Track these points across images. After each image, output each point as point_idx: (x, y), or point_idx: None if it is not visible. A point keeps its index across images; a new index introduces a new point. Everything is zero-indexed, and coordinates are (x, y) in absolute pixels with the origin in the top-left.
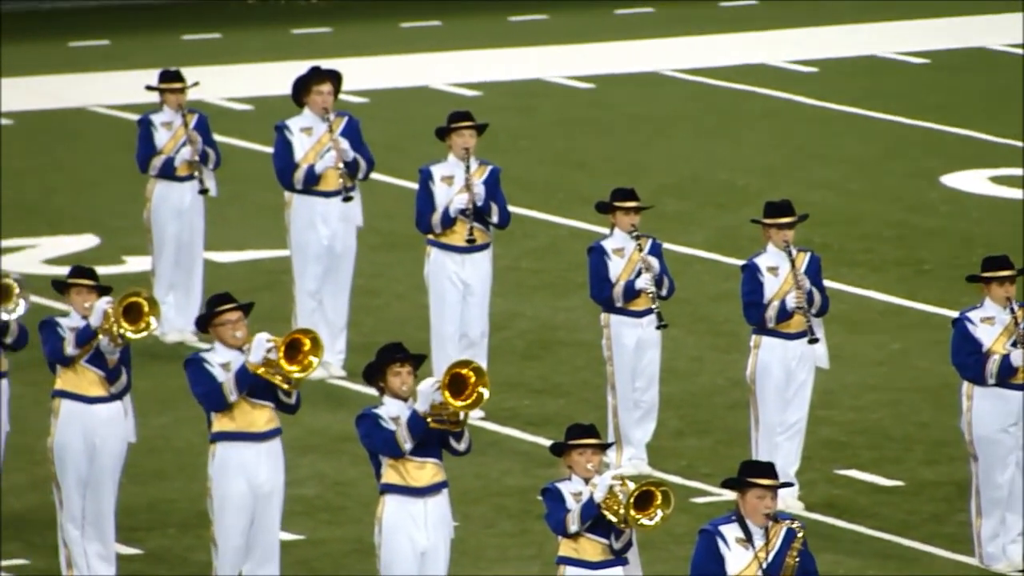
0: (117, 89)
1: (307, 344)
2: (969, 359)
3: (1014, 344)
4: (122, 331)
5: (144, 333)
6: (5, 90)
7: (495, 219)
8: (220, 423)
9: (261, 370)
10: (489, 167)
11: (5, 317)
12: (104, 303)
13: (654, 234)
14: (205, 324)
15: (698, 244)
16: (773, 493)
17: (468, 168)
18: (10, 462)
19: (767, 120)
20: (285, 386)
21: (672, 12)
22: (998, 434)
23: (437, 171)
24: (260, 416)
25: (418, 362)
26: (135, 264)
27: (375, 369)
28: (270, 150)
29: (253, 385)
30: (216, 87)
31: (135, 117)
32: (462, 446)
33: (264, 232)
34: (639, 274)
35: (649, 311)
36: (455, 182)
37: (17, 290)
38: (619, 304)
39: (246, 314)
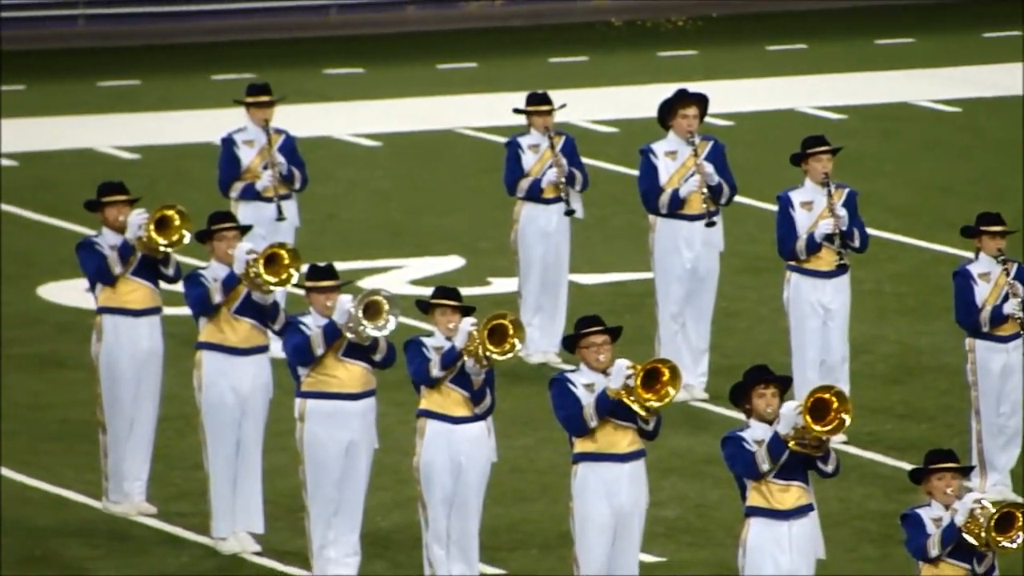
0: (484, 111)
1: (666, 374)
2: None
3: (1006, 297)
4: (488, 353)
5: (509, 355)
6: (375, 112)
7: (856, 243)
8: (582, 444)
9: (621, 396)
10: (846, 190)
11: (375, 333)
12: (468, 324)
13: (1021, 259)
14: (573, 345)
15: None
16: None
17: (830, 193)
18: (377, 480)
19: None
20: (643, 413)
21: None
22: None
23: (796, 197)
24: (623, 438)
25: (784, 385)
26: (500, 286)
27: (741, 391)
28: (635, 173)
29: (615, 409)
30: (582, 109)
31: (501, 139)
32: (829, 467)
33: (628, 255)
34: (1006, 299)
35: (1016, 336)
36: (814, 207)
37: (387, 307)
38: (985, 329)
39: (614, 338)
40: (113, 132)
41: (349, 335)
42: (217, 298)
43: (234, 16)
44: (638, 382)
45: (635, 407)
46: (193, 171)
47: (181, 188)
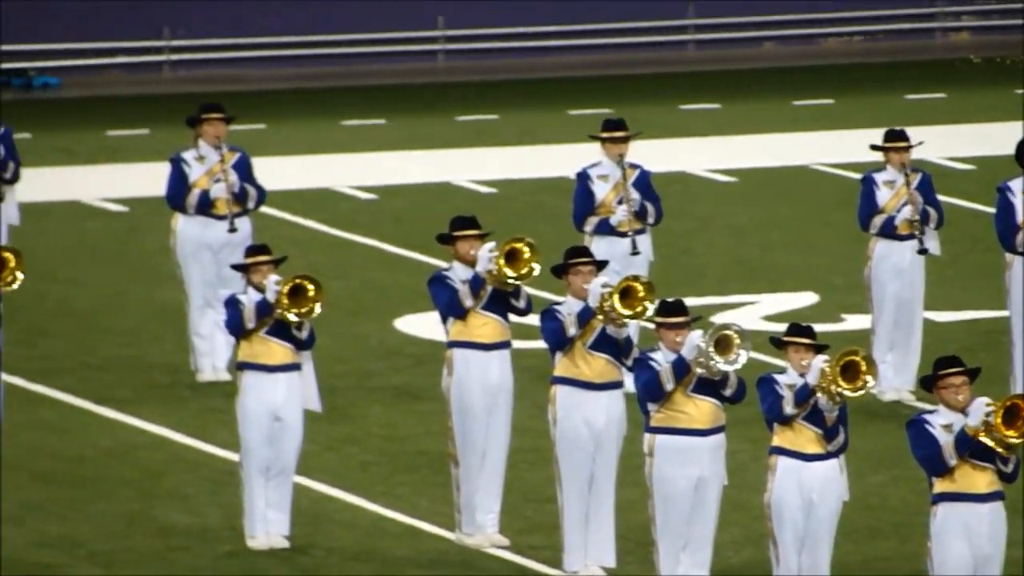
0: (839, 148)
1: None
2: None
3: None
4: (840, 390)
5: (861, 392)
6: (730, 148)
7: None
8: (942, 484)
9: (979, 434)
10: None
11: (725, 368)
12: (821, 362)
13: None
14: (931, 385)
15: None
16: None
17: None
18: (727, 516)
19: None
20: (1002, 451)
21: None
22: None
23: None
24: (981, 478)
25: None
26: (853, 323)
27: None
28: (991, 210)
29: (974, 448)
30: (939, 146)
31: (856, 176)
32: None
33: (983, 292)
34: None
35: None
36: None
37: (738, 341)
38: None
39: (972, 379)
40: (471, 166)
41: (699, 370)
42: (571, 331)
43: (592, 51)
44: (998, 419)
45: (994, 444)
46: (549, 205)
47: (536, 222)
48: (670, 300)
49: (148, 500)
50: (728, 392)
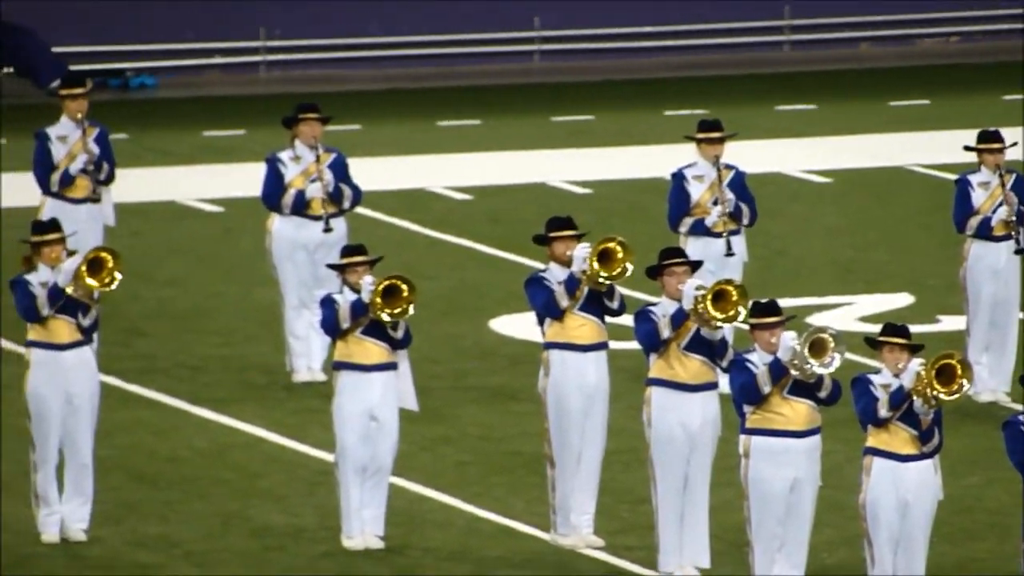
0: (935, 148)
1: None
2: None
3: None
4: (935, 393)
5: (957, 396)
6: (826, 149)
7: None
8: None
9: None
10: None
11: (819, 371)
12: (916, 365)
13: None
14: None
15: None
16: None
17: None
18: (822, 517)
19: None
20: None
21: None
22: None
23: None
24: None
25: None
26: (949, 323)
27: None
28: None
29: None
30: None
31: (952, 176)
32: None
33: None
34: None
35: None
36: None
37: (832, 344)
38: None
39: None
40: (566, 166)
41: (794, 372)
42: (665, 333)
43: (688, 52)
44: None
45: None
46: (645, 205)
47: (632, 222)
48: (763, 301)
49: (244, 500)
50: (823, 395)
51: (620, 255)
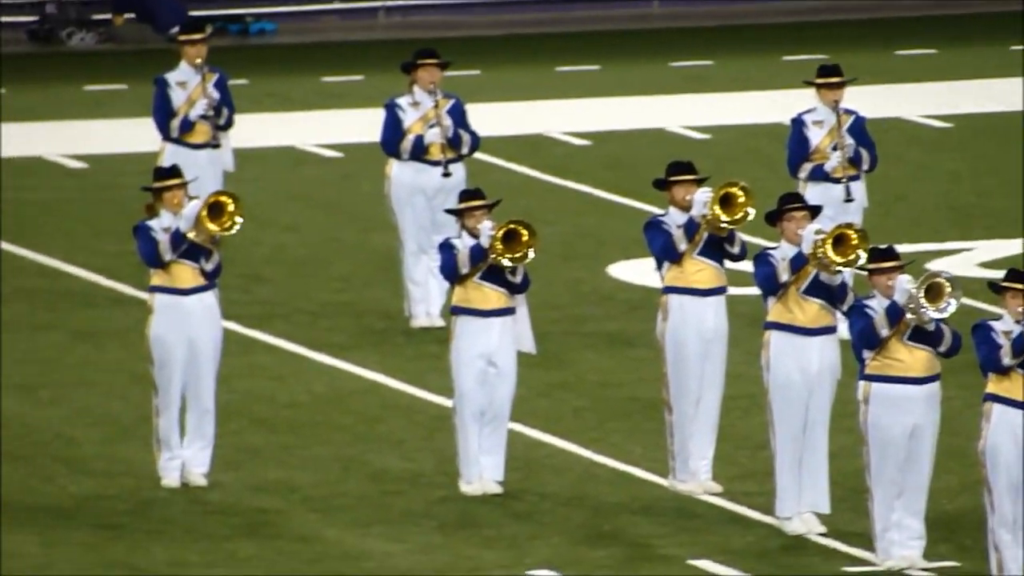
0: None
1: None
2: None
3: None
4: None
5: None
6: (945, 93)
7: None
8: None
9: None
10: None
11: (935, 316)
12: None
13: None
14: None
15: None
16: None
17: None
18: (943, 464)
19: None
20: None
21: None
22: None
23: None
24: None
25: None
26: None
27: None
28: None
29: None
30: None
31: None
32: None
33: None
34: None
35: None
36: None
37: (949, 289)
38: None
39: None
40: (684, 112)
41: (909, 316)
42: (784, 277)
43: None
44: None
45: None
46: (763, 151)
47: (750, 168)
48: (882, 247)
49: (363, 445)
50: (943, 348)
51: (742, 200)
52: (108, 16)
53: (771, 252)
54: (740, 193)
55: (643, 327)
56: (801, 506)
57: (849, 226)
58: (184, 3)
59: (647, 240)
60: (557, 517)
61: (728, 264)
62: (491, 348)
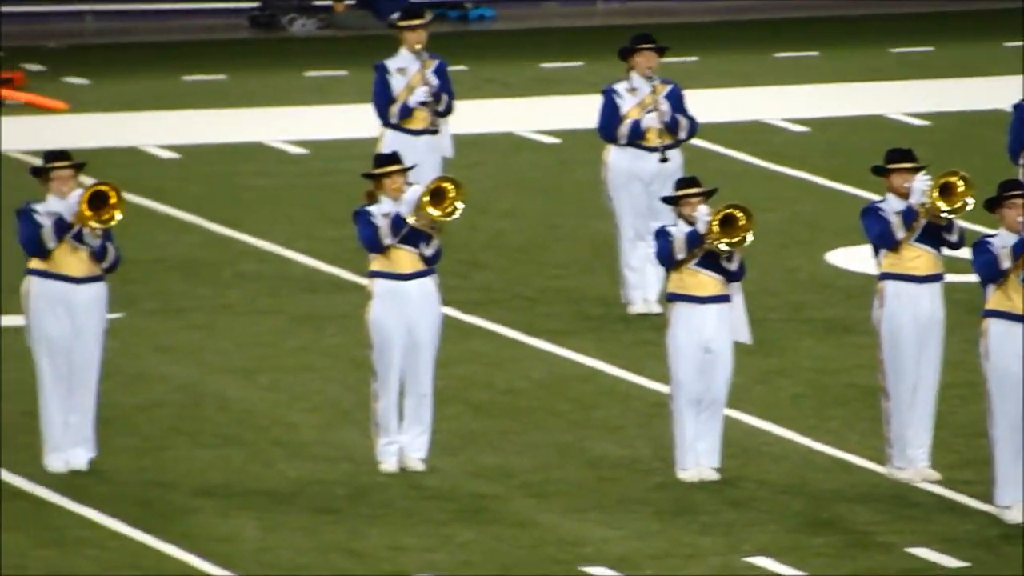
0: None
1: None
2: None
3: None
4: None
5: None
6: None
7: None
8: None
9: None
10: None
11: None
12: None
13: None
14: None
15: None
16: None
17: None
18: None
19: None
20: None
21: None
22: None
23: None
24: None
25: None
26: None
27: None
28: None
29: None
30: None
31: None
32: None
33: None
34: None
35: None
36: None
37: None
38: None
39: None
40: (904, 98)
41: None
42: (1004, 264)
43: None
44: None
45: None
46: (983, 138)
47: (970, 155)
48: None
49: (580, 431)
50: None
51: (961, 189)
52: (329, 2)
53: (990, 239)
54: (960, 183)
55: (861, 314)
56: (1020, 494)
57: None
58: None
59: (864, 226)
60: (774, 504)
61: (945, 251)
62: (707, 335)
